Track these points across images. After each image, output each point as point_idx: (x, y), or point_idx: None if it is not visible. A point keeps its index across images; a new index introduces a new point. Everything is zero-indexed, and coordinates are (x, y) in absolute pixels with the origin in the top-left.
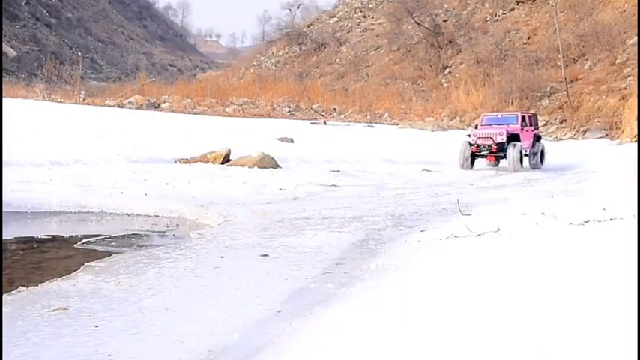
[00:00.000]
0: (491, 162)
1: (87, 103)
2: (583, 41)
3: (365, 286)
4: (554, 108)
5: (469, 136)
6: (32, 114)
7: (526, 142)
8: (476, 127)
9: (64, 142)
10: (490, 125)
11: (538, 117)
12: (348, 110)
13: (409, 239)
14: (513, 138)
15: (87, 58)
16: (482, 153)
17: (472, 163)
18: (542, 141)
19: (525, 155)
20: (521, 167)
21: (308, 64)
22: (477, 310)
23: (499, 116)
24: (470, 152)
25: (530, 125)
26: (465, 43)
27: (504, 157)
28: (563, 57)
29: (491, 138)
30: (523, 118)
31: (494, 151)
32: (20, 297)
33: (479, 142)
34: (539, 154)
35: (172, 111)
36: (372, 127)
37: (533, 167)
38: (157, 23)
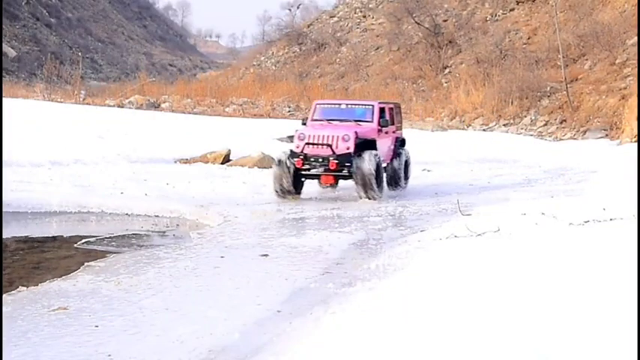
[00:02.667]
0: (327, 184)
1: (87, 103)
2: (583, 41)
3: (365, 286)
4: (554, 108)
5: (290, 138)
6: (32, 114)
7: (385, 150)
8: (304, 124)
9: (64, 142)
10: (329, 121)
11: (538, 117)
12: None
13: (409, 239)
14: (366, 145)
15: (87, 58)
16: (313, 172)
17: (297, 186)
18: (406, 146)
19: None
20: (380, 194)
21: (308, 64)
22: (477, 310)
23: (343, 106)
24: (293, 170)
25: (392, 123)
26: (465, 43)
27: (350, 176)
28: (563, 57)
29: (329, 145)
30: (382, 112)
31: (332, 168)
32: (20, 297)
33: (307, 152)
34: (402, 169)
35: (172, 111)
36: None
37: (394, 187)
38: (157, 23)
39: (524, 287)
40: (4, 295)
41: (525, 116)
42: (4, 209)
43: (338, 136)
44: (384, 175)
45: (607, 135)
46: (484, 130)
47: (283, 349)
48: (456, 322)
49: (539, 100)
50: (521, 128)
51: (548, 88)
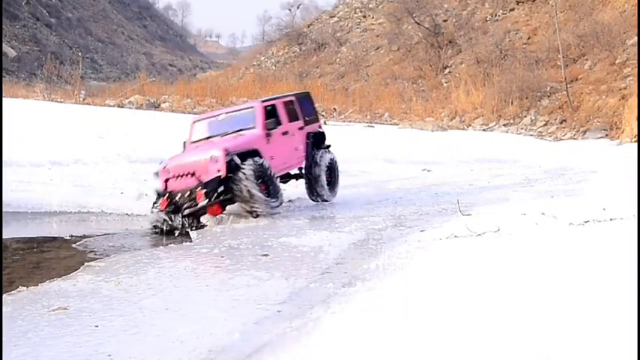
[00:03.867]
0: (218, 214)
1: (87, 103)
2: (583, 41)
3: (365, 286)
4: (554, 108)
5: (157, 174)
6: (32, 114)
7: (284, 154)
8: (184, 147)
9: (64, 142)
10: (209, 139)
11: (538, 117)
12: (348, 110)
13: (409, 239)
14: (249, 156)
15: (87, 58)
16: (186, 212)
17: (169, 231)
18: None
19: (298, 178)
20: (274, 205)
21: (308, 64)
22: (477, 310)
23: (221, 117)
24: (164, 214)
25: (296, 119)
26: (465, 43)
27: (233, 199)
28: (563, 57)
29: (193, 173)
30: (270, 112)
31: (199, 200)
32: (20, 297)
33: (172, 189)
34: (322, 175)
35: (172, 111)
36: (372, 127)
37: (315, 198)
38: (157, 23)
39: (524, 287)
40: (4, 295)
41: (525, 116)
42: (4, 209)
43: (204, 159)
44: (287, 182)
45: (607, 135)
46: (484, 130)
47: (283, 349)
48: (456, 322)
49: (539, 100)
50: (521, 128)
51: (548, 88)
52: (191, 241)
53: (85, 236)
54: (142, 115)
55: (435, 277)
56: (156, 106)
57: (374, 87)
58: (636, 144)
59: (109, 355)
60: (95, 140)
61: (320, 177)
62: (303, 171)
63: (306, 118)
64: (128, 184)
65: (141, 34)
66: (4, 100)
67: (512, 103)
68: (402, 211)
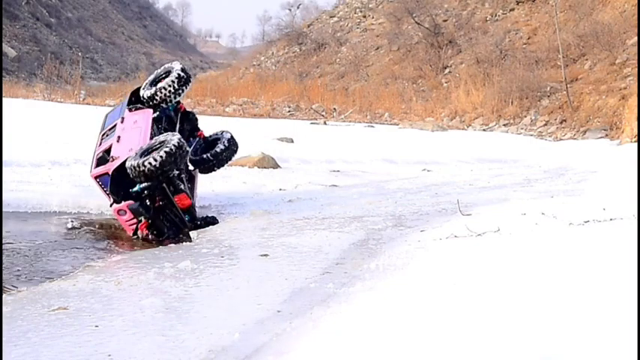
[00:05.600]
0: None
1: (87, 103)
2: (583, 41)
3: (365, 286)
4: (554, 108)
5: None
6: (32, 114)
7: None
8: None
9: (64, 142)
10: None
11: (538, 117)
12: (348, 110)
13: (409, 239)
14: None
15: (87, 58)
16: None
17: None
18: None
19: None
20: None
21: (308, 64)
22: (477, 311)
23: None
24: None
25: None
26: (465, 43)
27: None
28: (563, 57)
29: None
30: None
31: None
32: (20, 297)
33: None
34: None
35: None
36: (372, 127)
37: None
38: (157, 23)
39: (524, 287)
40: (4, 295)
41: (525, 116)
42: (3, 209)
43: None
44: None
45: (607, 135)
46: (484, 130)
47: (283, 349)
48: (456, 322)
49: (539, 100)
50: (521, 128)
51: (548, 88)
52: (191, 241)
53: (84, 236)
54: None
55: (435, 277)
56: None
57: (374, 87)
58: (636, 144)
59: (109, 355)
60: (95, 140)
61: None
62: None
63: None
64: None
65: (141, 34)
66: (4, 100)
67: (512, 103)
68: (402, 211)
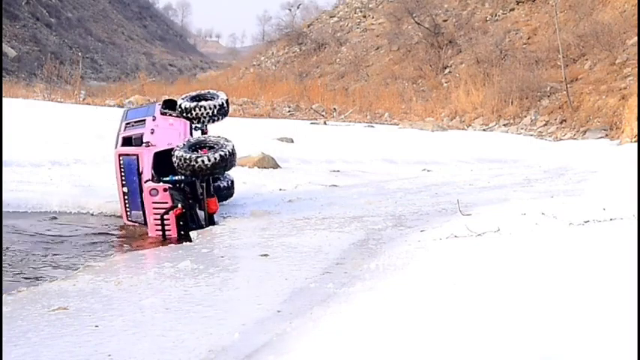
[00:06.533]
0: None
1: (87, 103)
2: (583, 41)
3: (365, 286)
4: (554, 108)
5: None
6: (32, 114)
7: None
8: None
9: (64, 142)
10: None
11: (538, 117)
12: (348, 110)
13: (409, 239)
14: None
15: (87, 58)
16: None
17: None
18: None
19: None
20: None
21: (308, 64)
22: (477, 311)
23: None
24: None
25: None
26: (465, 43)
27: None
28: (563, 57)
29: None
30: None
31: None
32: (20, 297)
33: None
34: None
35: None
36: (372, 127)
37: None
38: (157, 23)
39: (525, 287)
40: (4, 295)
41: (525, 116)
42: (4, 209)
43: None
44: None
45: (607, 135)
46: (484, 130)
47: (283, 349)
48: (456, 322)
49: (539, 100)
50: (521, 128)
51: (548, 88)
52: (191, 241)
53: (84, 236)
54: None
55: (435, 277)
56: None
57: (374, 87)
58: (636, 144)
59: (109, 355)
60: (95, 140)
61: None
62: None
63: None
64: None
65: (141, 34)
66: (4, 100)
67: (512, 103)
68: (402, 211)
